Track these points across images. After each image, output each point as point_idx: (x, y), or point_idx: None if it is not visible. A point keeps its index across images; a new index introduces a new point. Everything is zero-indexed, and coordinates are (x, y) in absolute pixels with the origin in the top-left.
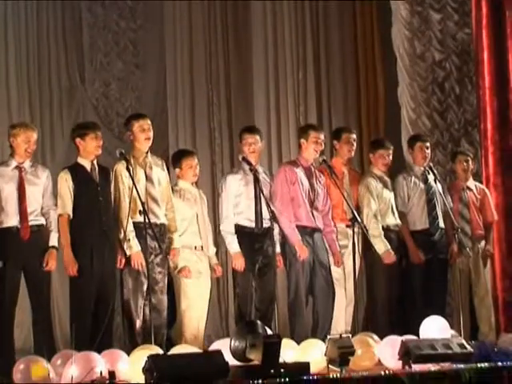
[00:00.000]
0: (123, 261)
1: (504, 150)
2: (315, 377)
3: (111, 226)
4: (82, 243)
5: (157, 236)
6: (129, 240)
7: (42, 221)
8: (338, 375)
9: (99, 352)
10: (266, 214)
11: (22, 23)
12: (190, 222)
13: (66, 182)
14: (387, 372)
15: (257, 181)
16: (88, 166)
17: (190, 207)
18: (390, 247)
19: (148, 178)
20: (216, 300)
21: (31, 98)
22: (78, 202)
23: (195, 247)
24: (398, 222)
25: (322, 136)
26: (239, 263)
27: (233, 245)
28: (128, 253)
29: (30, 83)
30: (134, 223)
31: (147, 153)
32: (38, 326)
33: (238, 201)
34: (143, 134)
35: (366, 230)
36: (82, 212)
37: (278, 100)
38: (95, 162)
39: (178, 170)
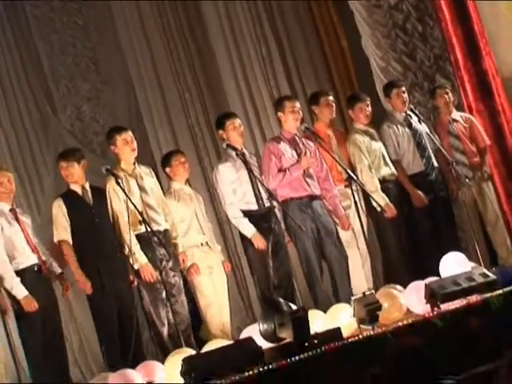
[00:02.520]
0: (134, 279)
1: (478, 75)
2: (349, 340)
3: (113, 245)
4: (87, 267)
5: (163, 242)
6: (134, 254)
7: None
8: (371, 333)
9: (133, 367)
10: (264, 194)
11: None
12: (190, 220)
13: (59, 208)
14: (418, 318)
15: (247, 163)
16: (79, 190)
17: (186, 206)
18: (388, 200)
19: (141, 188)
20: (236, 290)
21: (7, 138)
22: (75, 227)
23: (201, 244)
24: (393, 170)
25: (297, 104)
26: (260, 242)
27: (247, 227)
28: (136, 266)
29: (2, 124)
30: (137, 235)
31: (134, 164)
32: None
33: (234, 188)
34: (127, 146)
35: (364, 186)
36: (81, 236)
37: (247, 81)
38: (87, 184)
39: (168, 169)
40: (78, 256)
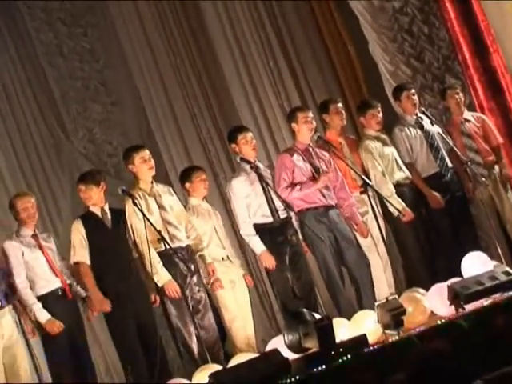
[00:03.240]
0: (157, 298)
1: (487, 73)
2: (375, 346)
3: (132, 266)
4: (106, 289)
5: (185, 258)
6: (157, 271)
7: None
8: (397, 338)
9: None
10: (279, 205)
11: None
12: (210, 235)
13: (77, 230)
14: (443, 320)
15: (261, 176)
16: (98, 212)
17: (205, 222)
18: (404, 204)
19: (160, 206)
20: (259, 303)
21: (21, 164)
22: (94, 249)
23: (222, 258)
24: (407, 174)
25: (310, 114)
26: (269, 261)
27: (257, 245)
28: (160, 284)
29: (15, 151)
30: (159, 253)
31: (152, 182)
32: None
33: (248, 201)
34: (145, 164)
35: (379, 192)
36: (99, 258)
37: (257, 93)
38: (106, 206)
39: (188, 184)
40: (96, 278)
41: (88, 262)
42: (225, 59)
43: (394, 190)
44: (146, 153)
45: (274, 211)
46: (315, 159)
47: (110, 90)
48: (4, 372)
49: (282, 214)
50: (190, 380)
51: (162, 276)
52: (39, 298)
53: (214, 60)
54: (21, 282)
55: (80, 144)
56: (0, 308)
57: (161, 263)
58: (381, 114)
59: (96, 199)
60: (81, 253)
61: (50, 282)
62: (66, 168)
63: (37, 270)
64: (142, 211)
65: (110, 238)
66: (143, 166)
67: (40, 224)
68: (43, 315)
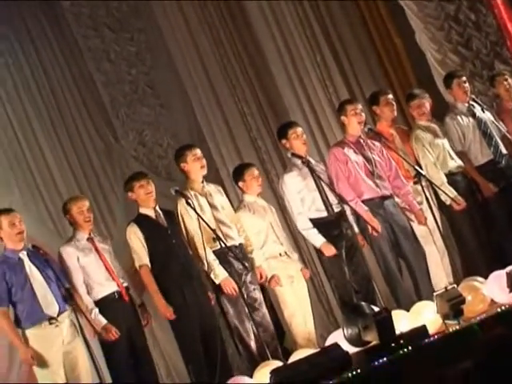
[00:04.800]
0: (213, 296)
1: None
2: (436, 337)
3: (192, 264)
4: (170, 289)
5: (239, 257)
6: (214, 269)
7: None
8: (458, 327)
9: None
10: (333, 199)
11: (39, 102)
12: (266, 232)
13: (135, 234)
14: (503, 308)
15: (313, 171)
16: (152, 214)
17: (262, 218)
18: (456, 193)
19: (212, 205)
20: (316, 298)
21: (73, 170)
22: (153, 251)
23: (280, 254)
24: (460, 163)
25: (359, 106)
26: (330, 252)
27: (316, 238)
28: (217, 282)
29: (67, 156)
30: (213, 252)
31: (203, 182)
32: None
33: (301, 196)
34: (198, 162)
35: (432, 181)
36: (159, 259)
37: (305, 88)
38: (157, 208)
39: (241, 183)
40: (159, 279)
41: (149, 265)
42: (272, 56)
43: (446, 180)
44: (198, 151)
45: (327, 205)
46: (367, 150)
47: (158, 93)
48: (65, 376)
49: (337, 208)
50: (250, 377)
51: (218, 274)
52: (96, 302)
53: (260, 57)
54: (79, 286)
55: (130, 147)
56: (60, 313)
57: (217, 261)
58: (428, 104)
59: (144, 197)
60: (143, 256)
61: (106, 286)
62: (118, 172)
63: (93, 274)
64: (195, 211)
65: (167, 239)
66: (196, 164)
67: (94, 228)
68: (99, 321)
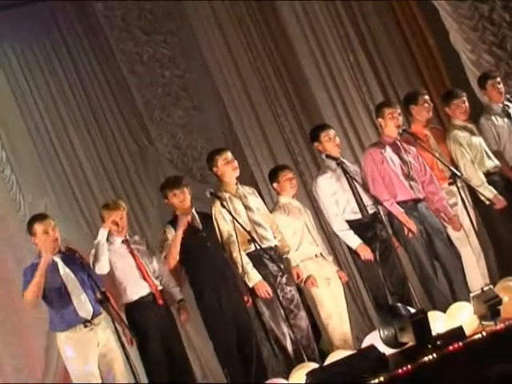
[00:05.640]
0: (249, 299)
1: None
2: (473, 337)
3: (227, 266)
4: (205, 291)
5: (274, 258)
6: (248, 272)
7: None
8: (495, 328)
9: None
10: (367, 201)
11: (73, 105)
12: (302, 233)
13: (171, 234)
14: None
15: (346, 172)
16: (188, 216)
17: (297, 219)
18: (496, 192)
19: (246, 207)
20: (351, 299)
21: (108, 173)
22: (188, 253)
23: (315, 255)
24: (497, 162)
25: (397, 110)
26: (367, 253)
27: (352, 239)
28: (250, 285)
29: (101, 159)
30: (248, 254)
31: (237, 184)
32: None
33: (336, 198)
34: (229, 165)
35: (469, 182)
36: (194, 261)
37: (338, 90)
38: (193, 210)
39: (275, 184)
40: (193, 281)
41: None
42: (304, 57)
43: (485, 179)
44: (229, 154)
45: (362, 207)
46: (403, 153)
47: (192, 95)
48: (101, 379)
49: (371, 210)
50: (286, 379)
51: (252, 277)
52: (131, 304)
53: (293, 58)
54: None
55: (165, 150)
56: (94, 316)
57: (250, 264)
58: (467, 104)
59: (179, 205)
60: (177, 256)
61: (140, 288)
62: (152, 175)
63: (127, 276)
64: (230, 213)
65: (203, 241)
66: (227, 167)
67: (129, 230)
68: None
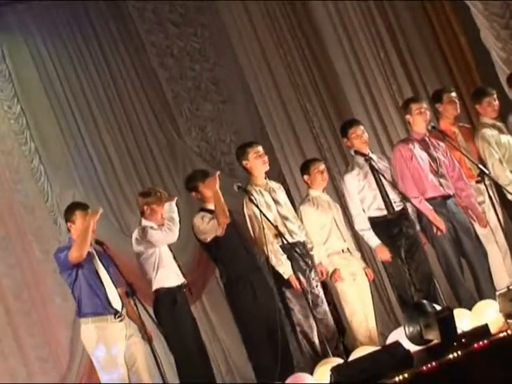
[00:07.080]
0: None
1: None
2: (498, 335)
3: (256, 260)
4: (240, 282)
5: (302, 253)
6: (282, 263)
7: None
8: None
9: (283, 381)
10: (394, 197)
11: (102, 97)
12: (330, 227)
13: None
14: None
15: (374, 169)
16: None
17: (325, 213)
18: None
19: (276, 201)
20: (377, 296)
21: (136, 166)
22: (222, 245)
23: (342, 250)
24: None
25: (424, 105)
26: (384, 254)
27: (372, 239)
28: (286, 276)
29: (130, 152)
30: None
31: (265, 178)
32: None
33: (363, 195)
34: (260, 159)
35: (497, 180)
36: (230, 252)
37: (368, 86)
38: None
39: (306, 177)
40: (227, 274)
41: None
42: (335, 53)
43: None
44: (260, 148)
45: (388, 204)
46: (432, 149)
47: (221, 89)
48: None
49: (398, 206)
50: (311, 374)
51: (287, 268)
52: (167, 290)
53: (324, 54)
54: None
55: (193, 143)
56: (122, 308)
57: (285, 255)
58: (497, 102)
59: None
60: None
61: (178, 276)
62: (181, 168)
63: (165, 262)
64: (258, 207)
65: (236, 231)
66: (258, 161)
67: None
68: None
